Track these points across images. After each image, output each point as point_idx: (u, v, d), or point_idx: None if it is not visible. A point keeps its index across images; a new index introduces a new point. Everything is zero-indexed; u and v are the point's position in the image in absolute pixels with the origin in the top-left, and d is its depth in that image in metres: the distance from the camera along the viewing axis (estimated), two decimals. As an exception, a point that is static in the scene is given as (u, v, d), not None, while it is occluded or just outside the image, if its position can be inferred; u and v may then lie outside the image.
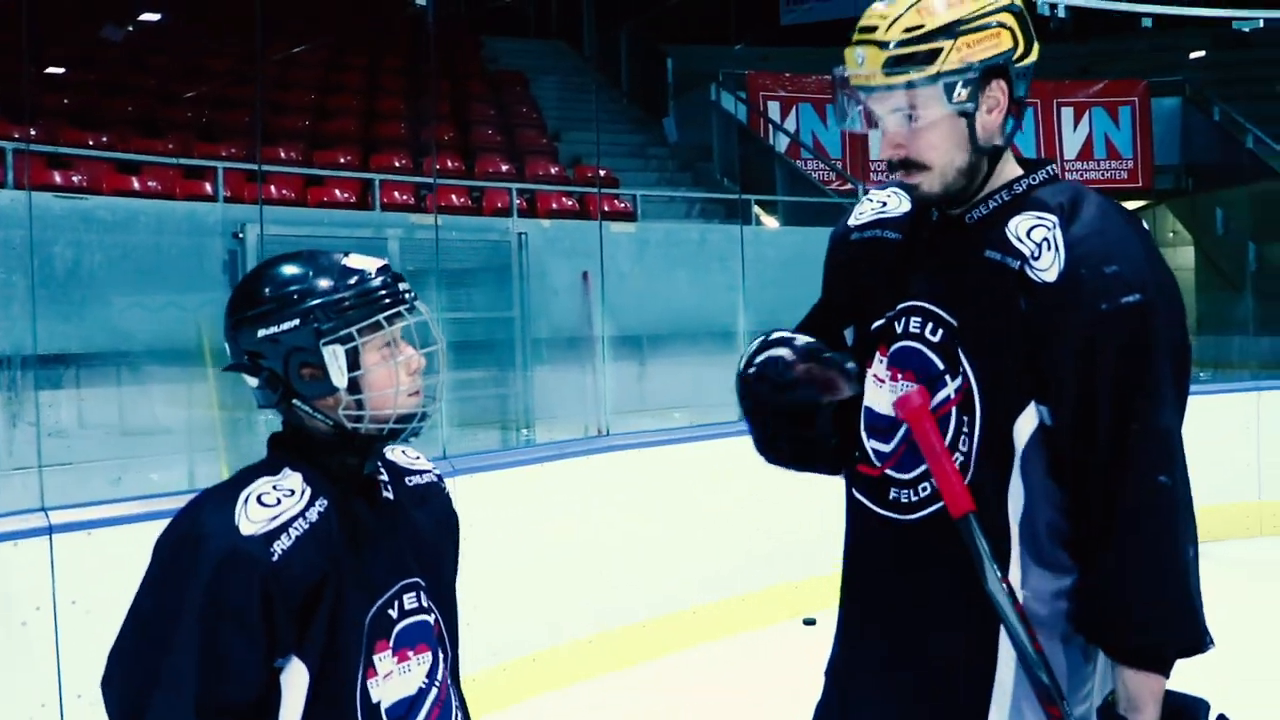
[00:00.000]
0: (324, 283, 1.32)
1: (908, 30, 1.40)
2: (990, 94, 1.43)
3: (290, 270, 1.34)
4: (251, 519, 1.27)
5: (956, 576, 1.45)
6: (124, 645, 1.30)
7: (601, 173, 8.80)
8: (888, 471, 1.52)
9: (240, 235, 5.46)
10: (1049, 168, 1.51)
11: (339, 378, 1.30)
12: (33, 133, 5.80)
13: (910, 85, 1.40)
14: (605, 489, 4.14)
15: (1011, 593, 1.42)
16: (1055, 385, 1.40)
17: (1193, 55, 12.44)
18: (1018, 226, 1.44)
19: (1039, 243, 1.42)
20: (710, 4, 12.88)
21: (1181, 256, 12.61)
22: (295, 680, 1.28)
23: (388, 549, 1.38)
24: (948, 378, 1.47)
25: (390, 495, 1.42)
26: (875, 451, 1.54)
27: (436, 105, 9.70)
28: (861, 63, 1.42)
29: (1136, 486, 1.38)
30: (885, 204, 1.62)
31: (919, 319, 1.50)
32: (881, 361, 1.54)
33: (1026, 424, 1.43)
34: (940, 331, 1.48)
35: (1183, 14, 9.48)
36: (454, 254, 6.21)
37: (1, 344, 4.51)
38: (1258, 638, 4.41)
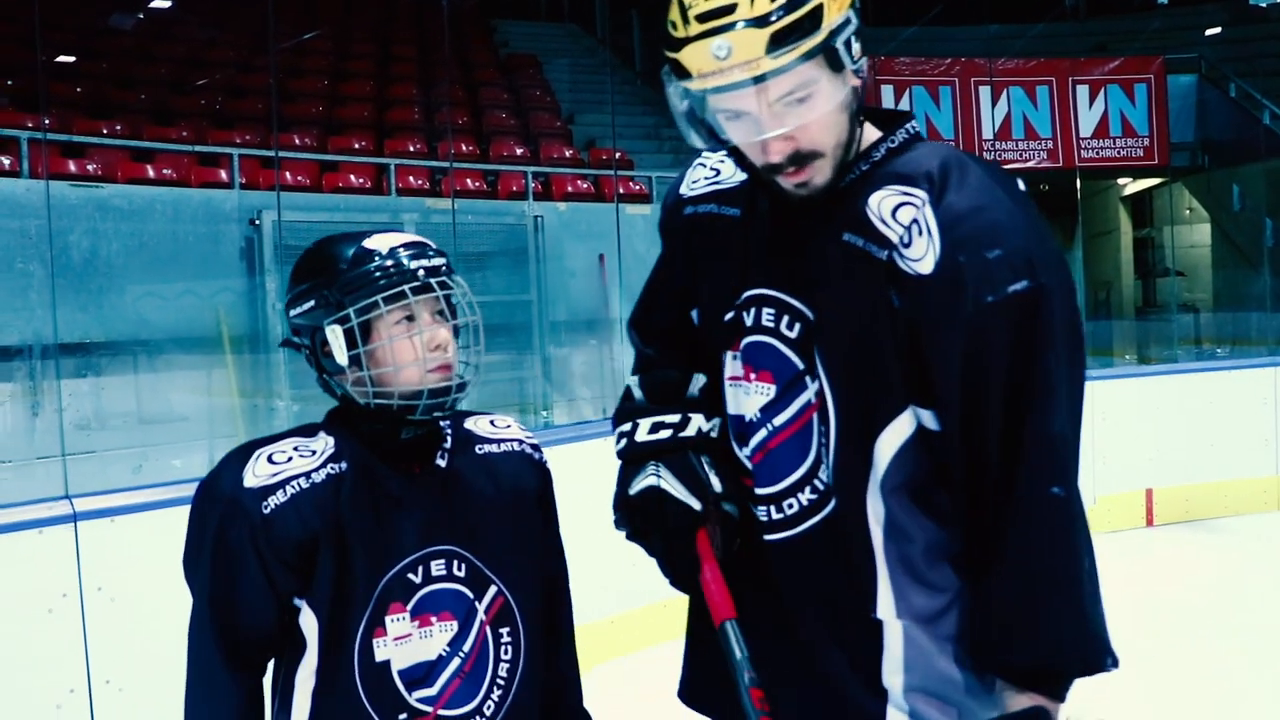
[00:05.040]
0: (333, 265, 1.36)
1: None
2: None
3: (316, 253, 1.40)
4: (256, 474, 1.34)
5: (838, 595, 1.29)
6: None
7: (616, 155, 8.78)
8: (753, 487, 1.33)
9: (256, 222, 5.48)
10: (909, 125, 1.27)
11: (340, 356, 1.35)
12: (46, 122, 5.80)
13: (807, 56, 1.14)
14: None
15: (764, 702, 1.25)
16: (940, 389, 1.20)
17: (1209, 32, 12.30)
18: (880, 205, 1.21)
19: (908, 226, 1.19)
20: (721, -17, 12.78)
21: (1198, 234, 12.50)
22: (309, 627, 1.34)
23: (420, 515, 1.38)
24: (808, 379, 1.26)
25: (444, 463, 1.42)
26: (748, 458, 1.34)
27: (450, 90, 9.68)
28: (727, 55, 1.14)
29: (1027, 499, 1.19)
30: (719, 172, 1.39)
31: (771, 310, 1.29)
32: (736, 359, 1.33)
33: (896, 433, 1.23)
34: (797, 326, 1.27)
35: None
36: (470, 237, 6.22)
37: (22, 333, 4.53)
38: (1275, 612, 4.39)
